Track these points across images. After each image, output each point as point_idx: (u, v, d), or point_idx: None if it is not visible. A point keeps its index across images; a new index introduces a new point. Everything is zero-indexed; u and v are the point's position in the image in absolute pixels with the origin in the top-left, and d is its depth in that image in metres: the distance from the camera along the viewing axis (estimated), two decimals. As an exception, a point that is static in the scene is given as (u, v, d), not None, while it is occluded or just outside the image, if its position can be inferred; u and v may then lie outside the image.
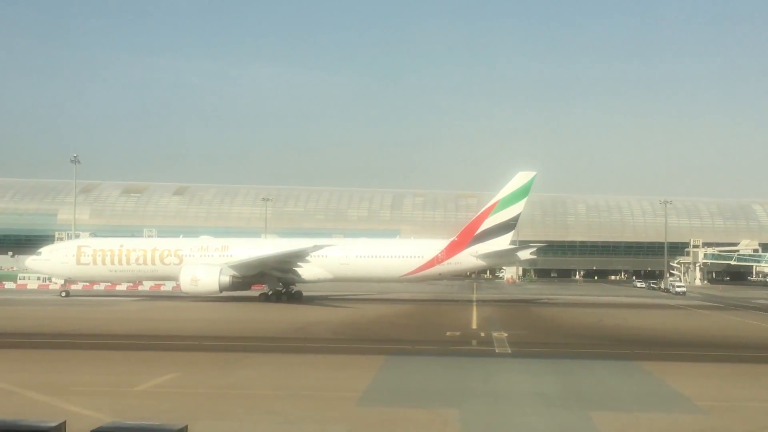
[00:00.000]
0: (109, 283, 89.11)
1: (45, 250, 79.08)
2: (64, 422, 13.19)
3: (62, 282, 79.87)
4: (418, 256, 78.39)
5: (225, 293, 74.88)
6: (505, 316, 61.33)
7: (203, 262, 74.44)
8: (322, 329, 47.95)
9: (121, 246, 78.61)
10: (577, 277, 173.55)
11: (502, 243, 78.78)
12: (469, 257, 78.22)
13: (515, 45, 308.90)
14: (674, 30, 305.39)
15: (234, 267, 72.94)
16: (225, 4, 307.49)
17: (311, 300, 76.83)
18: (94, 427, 12.70)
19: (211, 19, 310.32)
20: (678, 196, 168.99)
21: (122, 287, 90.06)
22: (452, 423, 21.55)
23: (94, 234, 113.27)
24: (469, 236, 78.70)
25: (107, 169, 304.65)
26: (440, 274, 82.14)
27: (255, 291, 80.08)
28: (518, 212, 79.24)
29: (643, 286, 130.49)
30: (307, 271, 76.69)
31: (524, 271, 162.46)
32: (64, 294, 78.14)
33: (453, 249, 78.44)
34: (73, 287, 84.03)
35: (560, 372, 30.86)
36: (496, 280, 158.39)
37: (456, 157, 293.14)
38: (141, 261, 76.77)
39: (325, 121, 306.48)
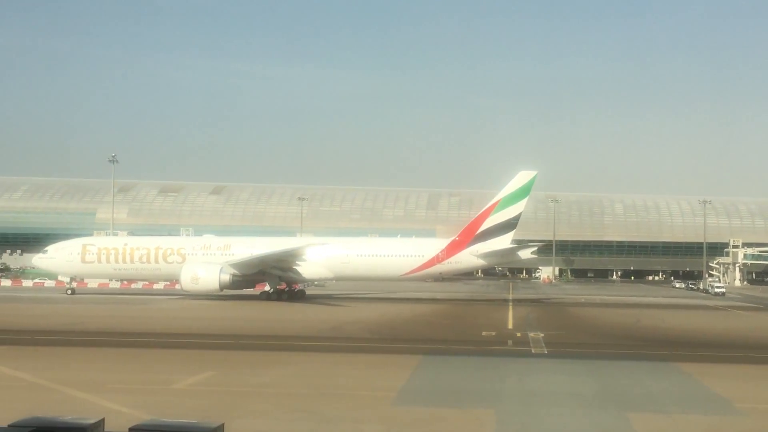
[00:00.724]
0: (125, 282, 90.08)
1: (51, 248, 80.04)
2: (103, 419, 13.29)
3: (68, 280, 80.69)
4: (419, 255, 78.33)
5: (226, 291, 74.99)
6: (541, 316, 61.01)
7: (204, 261, 74.95)
8: (357, 328, 47.98)
9: (125, 244, 79.61)
10: (614, 277, 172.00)
11: (503, 242, 78.40)
12: (470, 256, 78.05)
13: (537, 43, 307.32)
14: (715, 26, 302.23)
15: (234, 266, 73.24)
16: (256, 3, 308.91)
17: (312, 299, 76.88)
18: (132, 425, 12.78)
19: (244, 18, 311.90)
20: (717, 195, 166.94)
21: (116, 284, 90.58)
22: (488, 423, 21.46)
23: (132, 233, 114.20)
24: (470, 236, 78.48)
25: (145, 168, 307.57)
26: (441, 273, 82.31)
27: (258, 290, 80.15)
28: (519, 212, 78.94)
29: (682, 286, 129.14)
30: (308, 269, 77.01)
31: (561, 271, 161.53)
32: (69, 292, 78.90)
33: (453, 248, 78.24)
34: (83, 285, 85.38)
35: (597, 373, 30.63)
36: (532, 280, 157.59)
37: (491, 156, 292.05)
38: (144, 259, 77.51)
39: (360, 120, 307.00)
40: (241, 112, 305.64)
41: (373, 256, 79.28)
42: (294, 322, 53.36)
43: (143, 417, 19.53)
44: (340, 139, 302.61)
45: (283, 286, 78.19)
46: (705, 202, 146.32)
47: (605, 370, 31.38)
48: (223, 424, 12.97)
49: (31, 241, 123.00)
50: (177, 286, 76.09)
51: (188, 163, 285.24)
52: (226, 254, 76.14)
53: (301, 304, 71.32)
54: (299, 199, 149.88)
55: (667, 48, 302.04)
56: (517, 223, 79.04)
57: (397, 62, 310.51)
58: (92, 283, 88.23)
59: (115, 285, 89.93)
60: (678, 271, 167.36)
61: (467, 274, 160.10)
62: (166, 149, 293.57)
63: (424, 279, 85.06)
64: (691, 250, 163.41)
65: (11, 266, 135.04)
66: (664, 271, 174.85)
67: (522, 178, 79.70)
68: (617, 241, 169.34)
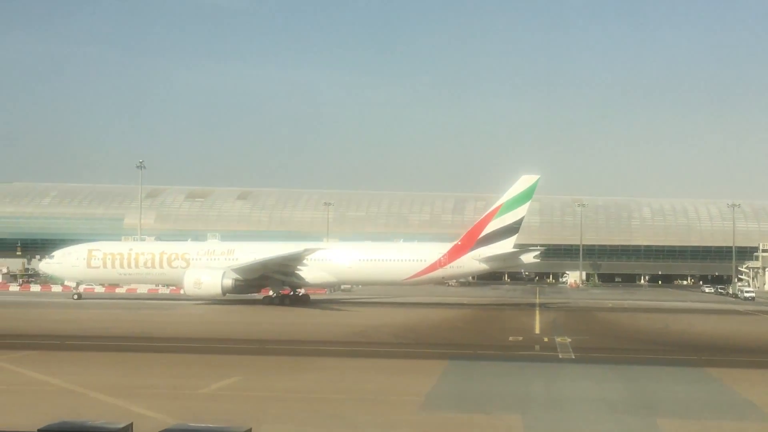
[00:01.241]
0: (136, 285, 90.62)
1: (58, 254, 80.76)
2: (131, 424, 13.35)
3: (74, 285, 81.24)
4: (421, 260, 78.02)
5: (230, 296, 75.26)
6: (568, 321, 60.74)
7: (207, 266, 75.31)
8: (385, 333, 47.95)
9: (130, 249, 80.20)
10: (642, 282, 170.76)
11: (506, 246, 77.97)
12: (472, 261, 77.63)
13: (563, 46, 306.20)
14: (746, 27, 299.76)
15: (237, 270, 73.46)
16: (291, 8, 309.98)
17: (316, 304, 76.80)
18: (160, 430, 12.83)
19: (272, 23, 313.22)
20: (746, 199, 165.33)
21: (122, 289, 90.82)
22: (515, 429, 21.37)
23: (159, 238, 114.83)
24: (473, 240, 78.13)
25: (172, 174, 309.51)
26: (443, 277, 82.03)
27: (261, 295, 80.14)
28: (522, 215, 78.77)
29: (712, 291, 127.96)
30: (310, 274, 77.02)
31: (588, 275, 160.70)
32: (76, 297, 79.47)
33: (456, 253, 77.91)
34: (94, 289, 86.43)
35: (625, 378, 30.41)
36: (559, 285, 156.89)
37: (517, 161, 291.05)
38: (149, 264, 77.95)
39: (386, 125, 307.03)
40: (267, 118, 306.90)
41: (375, 260, 79.36)
42: (318, 326, 53.37)
43: (170, 422, 19.62)
44: (366, 143, 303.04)
45: (287, 290, 78.27)
46: (734, 205, 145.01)
47: (633, 376, 31.14)
48: (250, 429, 12.99)
49: (60, 246, 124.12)
50: (181, 291, 76.22)
51: (215, 168, 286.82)
52: (229, 259, 76.58)
53: (317, 309, 71.10)
54: (325, 204, 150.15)
55: (695, 49, 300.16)
56: (519, 227, 78.89)
57: (422, 66, 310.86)
58: (98, 288, 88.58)
59: (121, 290, 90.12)
60: (707, 276, 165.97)
61: (493, 279, 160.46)
62: (193, 155, 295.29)
63: (426, 283, 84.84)
64: (720, 254, 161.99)
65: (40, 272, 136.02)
66: (692, 276, 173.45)
67: (524, 182, 79.85)
68: (645, 246, 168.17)
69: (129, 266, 78.14)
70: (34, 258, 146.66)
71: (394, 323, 55.17)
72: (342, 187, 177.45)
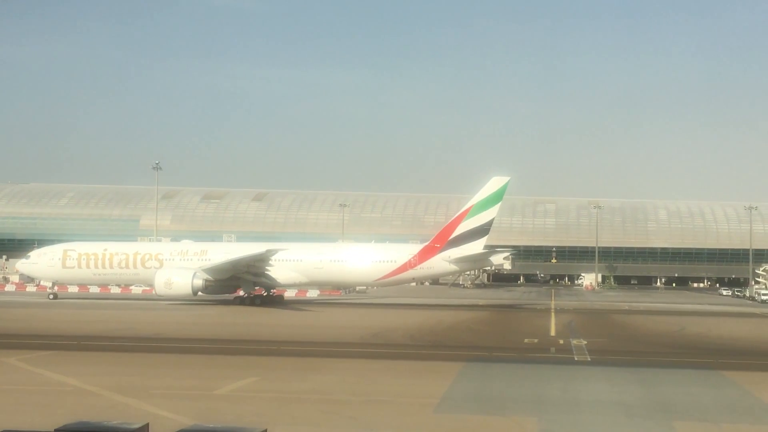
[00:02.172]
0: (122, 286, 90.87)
1: (33, 254, 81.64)
2: (147, 424, 13.40)
3: (50, 284, 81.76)
4: (391, 261, 78.56)
5: (203, 296, 75.96)
6: (584, 323, 60.56)
7: (178, 266, 75.79)
8: (400, 335, 47.93)
9: (105, 250, 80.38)
10: (659, 284, 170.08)
11: (476, 248, 78.27)
12: (442, 262, 78.08)
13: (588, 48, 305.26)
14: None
15: (207, 271, 73.91)
16: (307, 9, 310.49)
17: (286, 304, 76.80)
18: (176, 430, 12.88)
19: (290, 24, 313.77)
20: (763, 201, 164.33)
21: (95, 289, 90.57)
22: (531, 431, 21.33)
23: (175, 239, 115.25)
24: (443, 241, 78.56)
25: (188, 175, 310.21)
26: (413, 278, 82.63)
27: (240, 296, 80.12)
28: (492, 217, 78.90)
29: (729, 294, 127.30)
30: (282, 274, 77.64)
31: (603, 278, 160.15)
32: (51, 296, 79.91)
33: (426, 254, 78.35)
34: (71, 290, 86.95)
35: (641, 381, 30.28)
36: (575, 287, 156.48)
37: (534, 162, 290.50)
38: (123, 264, 78.57)
39: (401, 127, 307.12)
40: (282, 119, 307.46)
41: (346, 261, 79.99)
42: (332, 329, 53.34)
43: (187, 422, 19.69)
44: (381, 145, 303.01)
45: (260, 291, 78.88)
46: (751, 208, 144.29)
47: (650, 378, 31.00)
48: (265, 430, 13.03)
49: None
50: (153, 291, 76.80)
51: (231, 169, 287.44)
52: (202, 259, 77.11)
53: (285, 310, 70.79)
54: (341, 205, 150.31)
55: (714, 49, 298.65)
56: (489, 229, 79.13)
57: (437, 67, 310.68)
58: (72, 288, 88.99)
59: (94, 290, 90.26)
60: (723, 278, 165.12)
61: (509, 281, 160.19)
62: (209, 156, 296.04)
63: (397, 284, 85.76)
64: (737, 256, 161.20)
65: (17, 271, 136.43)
66: (709, 278, 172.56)
67: (495, 183, 79.99)
68: (661, 248, 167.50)
69: (103, 266, 78.90)
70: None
71: (409, 325, 55.06)
72: (357, 189, 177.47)
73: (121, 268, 78.68)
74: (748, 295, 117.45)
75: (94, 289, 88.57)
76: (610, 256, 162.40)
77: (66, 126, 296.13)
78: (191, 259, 77.58)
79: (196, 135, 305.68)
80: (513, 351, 40.17)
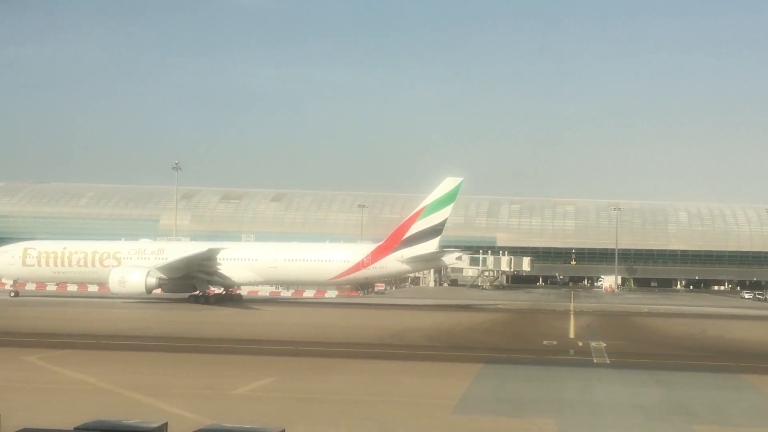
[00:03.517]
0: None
1: None
2: (166, 424, 13.44)
3: (11, 282, 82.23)
4: (345, 260, 79.07)
5: (164, 294, 76.78)
6: (603, 325, 60.27)
7: (133, 265, 76.36)
8: (418, 335, 47.88)
9: (65, 248, 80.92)
10: (679, 286, 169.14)
11: (429, 248, 78.62)
12: (395, 262, 78.32)
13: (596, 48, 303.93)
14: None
15: (161, 269, 74.38)
16: (324, 9, 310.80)
17: (241, 304, 76.63)
18: (194, 429, 12.91)
19: (311, 23, 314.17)
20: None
21: (52, 287, 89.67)
22: (549, 433, 21.28)
23: (194, 238, 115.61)
24: (396, 241, 78.88)
25: (207, 175, 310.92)
26: (366, 278, 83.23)
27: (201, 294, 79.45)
28: (445, 217, 79.62)
29: (751, 297, 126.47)
30: (237, 273, 78.33)
31: (623, 280, 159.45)
32: (13, 294, 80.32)
33: (379, 253, 78.71)
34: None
35: (661, 383, 30.13)
36: (594, 289, 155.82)
37: (553, 163, 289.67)
38: (82, 263, 79.11)
39: (420, 127, 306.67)
40: (302, 119, 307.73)
41: (300, 260, 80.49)
42: (349, 329, 53.33)
43: (205, 422, 19.74)
44: (400, 145, 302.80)
45: (217, 289, 79.79)
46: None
47: (669, 381, 30.83)
48: (284, 430, 13.04)
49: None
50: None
51: (250, 170, 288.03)
52: (159, 258, 77.41)
53: (234, 309, 70.64)
54: (359, 206, 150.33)
55: (735, 51, 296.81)
56: (442, 229, 79.58)
57: (455, 67, 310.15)
58: (29, 286, 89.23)
59: (51, 288, 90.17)
60: (744, 281, 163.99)
61: (528, 283, 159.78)
62: (228, 156, 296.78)
63: (350, 283, 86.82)
64: (759, 259, 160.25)
65: None
66: (730, 281, 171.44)
67: (448, 184, 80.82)
68: (682, 250, 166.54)
69: (63, 265, 79.54)
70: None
71: (425, 325, 54.99)
72: (376, 189, 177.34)
73: (80, 266, 79.37)
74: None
75: (52, 287, 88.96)
76: (630, 258, 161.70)
77: (86, 126, 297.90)
78: (148, 258, 78.06)
79: (216, 135, 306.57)
80: (532, 353, 40.04)
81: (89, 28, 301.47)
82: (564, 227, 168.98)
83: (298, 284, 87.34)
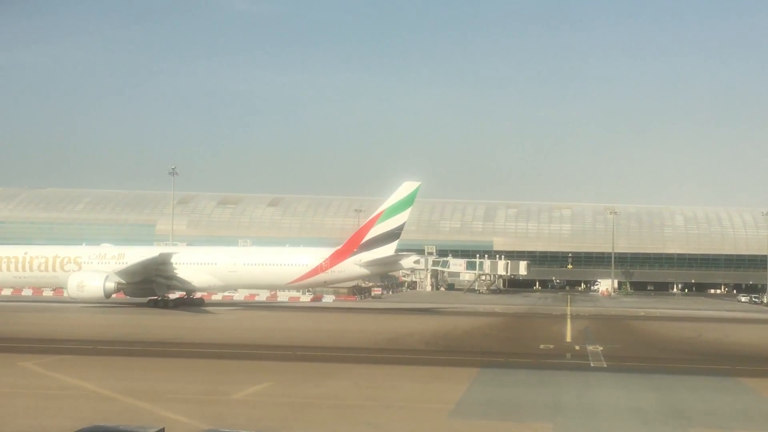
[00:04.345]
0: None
1: None
2: (163, 429, 13.46)
3: None
4: (303, 264, 79.76)
5: (127, 299, 77.31)
6: (600, 329, 60.30)
7: (91, 269, 76.47)
8: (415, 340, 47.88)
9: (25, 253, 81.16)
10: (675, 290, 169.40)
11: (388, 251, 79.45)
12: (353, 266, 79.06)
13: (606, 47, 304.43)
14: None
15: (119, 274, 74.58)
16: (321, 11, 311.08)
17: (201, 309, 76.25)
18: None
19: (306, 28, 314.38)
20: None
21: (7, 292, 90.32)
22: (546, 437, 21.29)
23: (191, 244, 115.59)
24: (355, 245, 79.79)
25: (204, 180, 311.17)
26: (325, 282, 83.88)
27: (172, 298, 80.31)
28: (403, 221, 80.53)
29: (747, 300, 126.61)
30: (197, 278, 78.79)
31: (620, 284, 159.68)
32: None
33: (337, 257, 79.44)
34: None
35: (658, 387, 30.15)
36: (591, 293, 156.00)
37: (549, 167, 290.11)
38: (43, 268, 79.40)
39: (417, 131, 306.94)
40: (297, 124, 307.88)
41: (259, 264, 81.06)
42: (346, 333, 53.34)
43: (202, 427, 19.76)
44: (396, 150, 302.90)
45: (181, 294, 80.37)
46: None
47: (666, 385, 30.86)
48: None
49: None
50: (65, 294, 77.66)
51: (246, 175, 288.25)
52: (120, 263, 77.50)
53: (191, 314, 70.06)
54: (356, 210, 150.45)
55: (730, 54, 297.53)
56: (400, 233, 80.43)
57: (453, 71, 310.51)
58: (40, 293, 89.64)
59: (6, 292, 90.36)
60: (741, 285, 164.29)
61: (524, 287, 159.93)
62: (224, 162, 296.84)
63: (309, 287, 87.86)
64: (755, 262, 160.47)
65: None
66: (726, 285, 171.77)
67: (406, 188, 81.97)
68: (678, 254, 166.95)
69: (24, 269, 79.80)
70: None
71: (425, 330, 54.99)
72: (372, 194, 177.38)
73: (41, 271, 79.62)
74: (766, 301, 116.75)
75: (6, 292, 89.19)
76: (626, 262, 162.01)
77: (83, 131, 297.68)
78: (109, 263, 78.20)
79: (212, 140, 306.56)
80: (528, 357, 40.04)
81: (87, 33, 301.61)
82: (560, 231, 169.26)
83: (258, 288, 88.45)
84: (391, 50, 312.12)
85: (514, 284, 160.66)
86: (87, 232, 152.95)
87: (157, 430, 13.39)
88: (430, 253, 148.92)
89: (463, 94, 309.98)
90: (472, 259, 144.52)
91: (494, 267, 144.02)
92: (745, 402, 27.74)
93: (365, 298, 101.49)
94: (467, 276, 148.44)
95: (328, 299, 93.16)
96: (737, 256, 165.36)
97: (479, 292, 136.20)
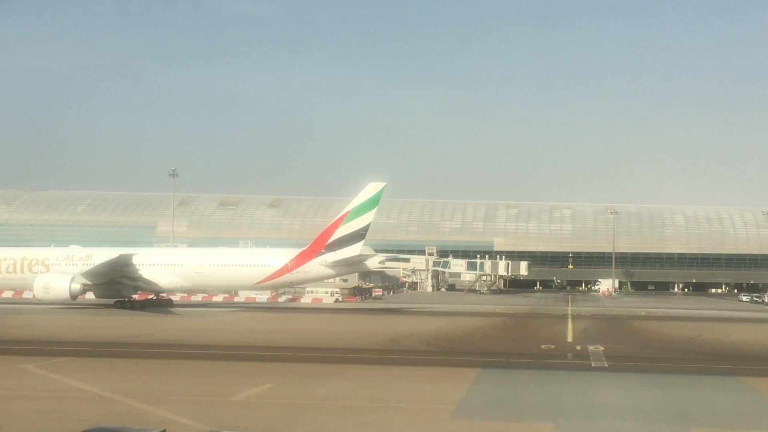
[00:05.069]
0: None
1: None
2: (164, 431, 13.47)
3: None
4: (269, 265, 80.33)
5: (92, 300, 77.77)
6: (601, 329, 60.27)
7: (58, 271, 76.76)
8: (416, 341, 47.86)
9: None
10: (676, 290, 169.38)
11: (353, 252, 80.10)
12: (318, 266, 79.75)
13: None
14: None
15: (85, 275, 74.76)
16: (320, 12, 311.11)
17: (166, 311, 76.03)
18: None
19: (306, 29, 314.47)
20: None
21: None
22: (548, 438, 21.30)
23: (191, 245, 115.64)
24: (321, 246, 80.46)
25: (204, 182, 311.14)
26: (291, 282, 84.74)
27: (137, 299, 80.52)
28: (368, 222, 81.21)
29: (748, 299, 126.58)
30: (163, 279, 79.29)
31: (621, 283, 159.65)
32: None
33: (303, 258, 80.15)
34: None
35: (659, 387, 30.14)
36: (591, 293, 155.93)
37: (550, 167, 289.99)
38: (11, 269, 79.74)
39: (417, 132, 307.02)
40: (297, 125, 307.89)
41: (225, 265, 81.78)
42: (347, 335, 53.29)
43: (204, 429, 19.78)
44: (396, 150, 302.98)
45: (145, 295, 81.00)
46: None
47: (667, 384, 30.85)
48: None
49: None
50: (30, 295, 77.86)
51: (247, 176, 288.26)
52: (87, 264, 77.73)
53: (155, 315, 70.06)
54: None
55: (730, 54, 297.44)
56: (366, 234, 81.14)
57: (460, 73, 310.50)
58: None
59: None
60: (742, 284, 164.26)
61: (525, 287, 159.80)
62: (225, 163, 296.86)
63: (275, 288, 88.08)
64: (756, 262, 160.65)
65: None
66: (727, 284, 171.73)
67: (371, 189, 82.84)
68: (679, 253, 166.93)
69: None
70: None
71: (427, 332, 54.97)
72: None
73: (9, 273, 79.88)
74: (767, 300, 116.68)
75: None
76: (627, 261, 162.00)
77: (83, 133, 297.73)
78: (76, 264, 78.42)
79: (213, 141, 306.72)
80: (530, 357, 40.03)
81: (87, 35, 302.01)
82: (561, 231, 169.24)
83: (224, 289, 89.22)
84: (391, 52, 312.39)
85: (515, 284, 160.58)
86: (87, 234, 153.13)
87: (158, 431, 13.40)
88: (431, 254, 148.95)
89: (464, 94, 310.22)
90: (473, 260, 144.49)
91: (495, 267, 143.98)
92: (747, 402, 27.74)
93: (366, 299, 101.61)
94: (468, 276, 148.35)
95: (329, 300, 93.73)
96: (738, 255, 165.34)
97: (480, 293, 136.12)
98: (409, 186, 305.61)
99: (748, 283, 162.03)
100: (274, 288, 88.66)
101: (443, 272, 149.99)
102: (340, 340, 48.58)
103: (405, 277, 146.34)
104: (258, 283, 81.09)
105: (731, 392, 29.68)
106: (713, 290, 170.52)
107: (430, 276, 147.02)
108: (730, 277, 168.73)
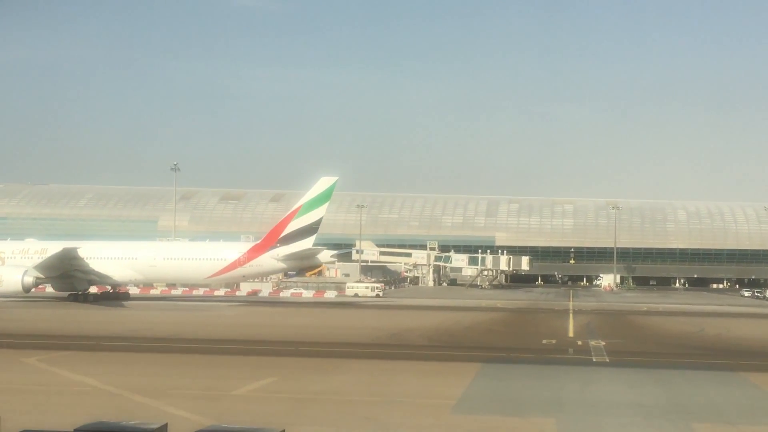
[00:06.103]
0: None
1: None
2: (166, 424, 13.48)
3: None
4: (221, 259, 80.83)
5: (45, 293, 78.16)
6: (602, 324, 60.28)
7: (12, 264, 77.15)
8: (417, 336, 47.85)
9: None
10: (678, 285, 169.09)
11: (305, 245, 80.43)
12: (270, 260, 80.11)
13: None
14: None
15: (37, 268, 74.77)
16: (323, 7, 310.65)
17: (118, 304, 76.32)
18: (194, 430, 12.93)
19: (308, 23, 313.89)
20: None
21: None
22: (549, 432, 21.30)
23: (193, 239, 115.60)
24: (273, 240, 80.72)
25: (206, 176, 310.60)
26: (243, 276, 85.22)
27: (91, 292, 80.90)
28: (320, 216, 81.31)
29: (749, 294, 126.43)
30: (117, 272, 79.82)
31: (622, 278, 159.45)
32: None
33: (255, 252, 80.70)
34: None
35: (660, 382, 30.15)
36: (593, 288, 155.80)
37: (551, 163, 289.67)
38: None
39: (420, 127, 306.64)
40: (299, 120, 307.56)
41: (178, 259, 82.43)
42: (348, 330, 53.22)
43: (205, 422, 19.78)
44: (399, 145, 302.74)
45: (104, 288, 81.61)
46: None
47: (668, 380, 30.86)
48: (283, 431, 13.06)
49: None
50: None
51: (248, 170, 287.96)
52: (42, 258, 77.45)
53: (106, 308, 70.49)
54: (358, 206, 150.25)
55: (732, 50, 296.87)
56: (318, 228, 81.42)
57: (462, 68, 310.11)
58: None
59: None
60: (743, 279, 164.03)
61: (527, 282, 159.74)
62: (226, 157, 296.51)
63: (228, 281, 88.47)
64: (757, 257, 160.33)
65: None
66: (728, 279, 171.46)
67: (323, 183, 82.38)
68: (680, 249, 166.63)
69: None
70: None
71: (427, 326, 54.97)
72: (375, 190, 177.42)
73: None
74: (767, 296, 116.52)
75: None
76: (628, 256, 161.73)
77: (85, 127, 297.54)
78: (31, 258, 78.54)
79: (214, 136, 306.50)
80: (531, 352, 40.07)
81: (88, 30, 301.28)
82: (563, 226, 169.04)
83: (178, 282, 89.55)
84: (392, 47, 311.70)
85: (517, 279, 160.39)
86: (89, 229, 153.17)
87: (160, 425, 13.40)
88: (433, 249, 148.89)
89: (466, 90, 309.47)
90: (475, 255, 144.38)
91: (496, 262, 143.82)
92: (748, 396, 27.74)
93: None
94: (469, 271, 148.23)
95: (330, 294, 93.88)
96: (740, 250, 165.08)
97: (482, 288, 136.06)
98: (410, 181, 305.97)
99: (749, 279, 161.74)
100: (228, 281, 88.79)
101: (445, 267, 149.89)
102: (340, 335, 48.50)
103: (406, 271, 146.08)
104: (211, 276, 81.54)
105: (732, 387, 29.67)
106: (714, 285, 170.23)
107: (431, 271, 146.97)
108: (732, 273, 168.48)
